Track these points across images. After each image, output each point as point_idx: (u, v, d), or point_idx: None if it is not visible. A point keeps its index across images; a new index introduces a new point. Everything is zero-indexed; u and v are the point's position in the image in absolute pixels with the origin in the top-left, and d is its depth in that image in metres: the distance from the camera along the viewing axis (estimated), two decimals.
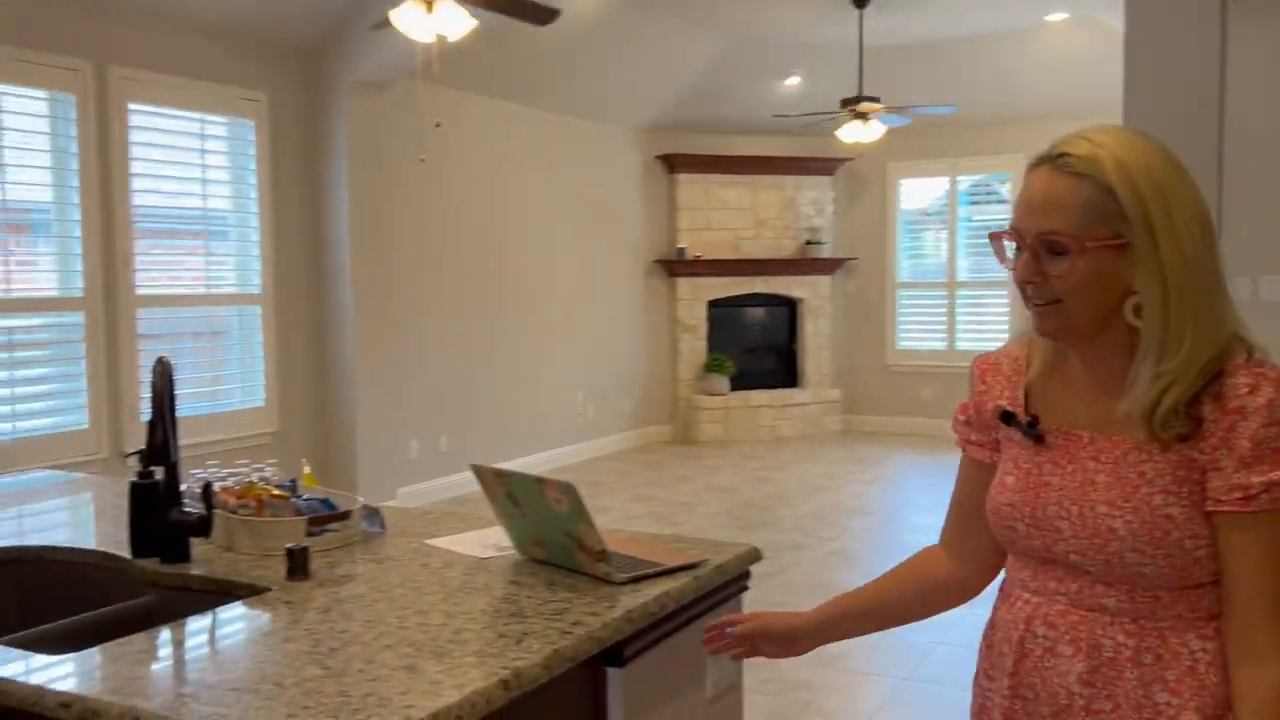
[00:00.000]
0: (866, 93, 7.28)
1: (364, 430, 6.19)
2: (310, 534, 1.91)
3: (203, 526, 1.84)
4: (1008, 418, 1.36)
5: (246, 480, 2.07)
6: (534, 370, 7.72)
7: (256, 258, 5.84)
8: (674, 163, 9.01)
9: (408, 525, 2.14)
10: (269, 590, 1.71)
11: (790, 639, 1.50)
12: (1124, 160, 1.21)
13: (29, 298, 4.80)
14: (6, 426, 4.67)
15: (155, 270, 5.36)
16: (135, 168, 5.19)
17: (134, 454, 1.94)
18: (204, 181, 5.60)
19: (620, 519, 6.22)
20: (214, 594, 1.78)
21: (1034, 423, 1.33)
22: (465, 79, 6.72)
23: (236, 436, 5.60)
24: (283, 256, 5.97)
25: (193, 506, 1.91)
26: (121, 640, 1.49)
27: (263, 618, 1.59)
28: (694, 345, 9.25)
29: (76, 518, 2.36)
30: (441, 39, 4.54)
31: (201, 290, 5.61)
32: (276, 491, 1.98)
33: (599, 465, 8.01)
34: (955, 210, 9.30)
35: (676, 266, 9.06)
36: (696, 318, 9.24)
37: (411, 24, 4.33)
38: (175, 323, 5.46)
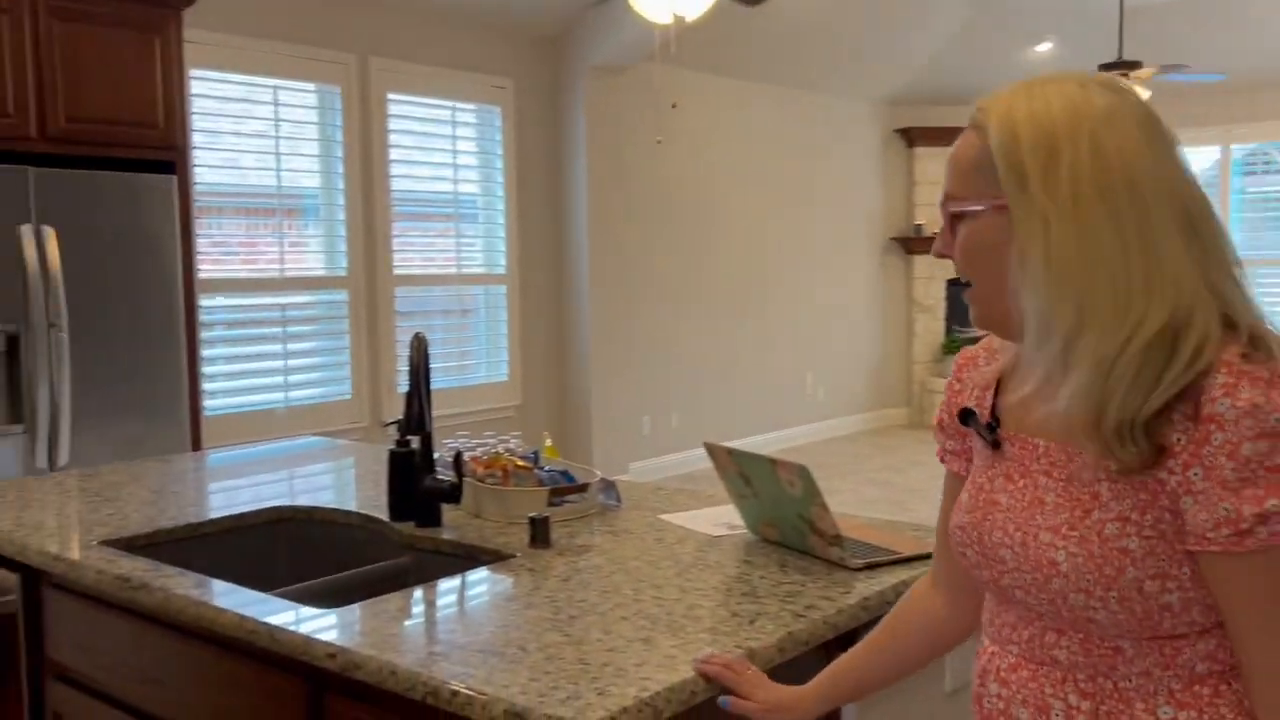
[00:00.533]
0: (1127, 57, 6.81)
1: (599, 406, 6.37)
2: (551, 504, 1.98)
3: (454, 494, 1.94)
4: (966, 417, 1.15)
5: (493, 451, 2.17)
6: (764, 350, 7.70)
7: (502, 239, 6.10)
8: (912, 136, 8.74)
9: (641, 499, 2.18)
10: (513, 557, 1.79)
11: (793, 707, 1.29)
12: (1013, 107, 1.01)
13: (300, 277, 5.20)
14: (280, 396, 5.09)
15: (410, 251, 5.69)
16: (393, 154, 5.52)
17: (392, 423, 2.07)
18: (454, 166, 5.89)
19: (853, 503, 6.13)
20: (462, 558, 1.87)
21: (994, 425, 1.11)
22: (701, 59, 6.75)
23: (482, 409, 5.89)
24: (526, 238, 6.21)
25: (445, 474, 2.02)
26: (381, 598, 1.60)
27: (506, 583, 1.67)
28: (931, 326, 8.96)
29: (340, 480, 2.54)
30: (679, 19, 4.58)
31: (452, 270, 5.91)
32: (521, 462, 2.06)
33: (830, 448, 7.91)
34: (1227, 181, 8.57)
35: (913, 244, 8.79)
36: (934, 297, 8.95)
37: (650, 5, 4.39)
38: (428, 301, 5.78)
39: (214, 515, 2.10)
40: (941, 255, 1.10)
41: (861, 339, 8.64)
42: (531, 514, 1.84)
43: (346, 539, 2.13)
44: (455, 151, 5.90)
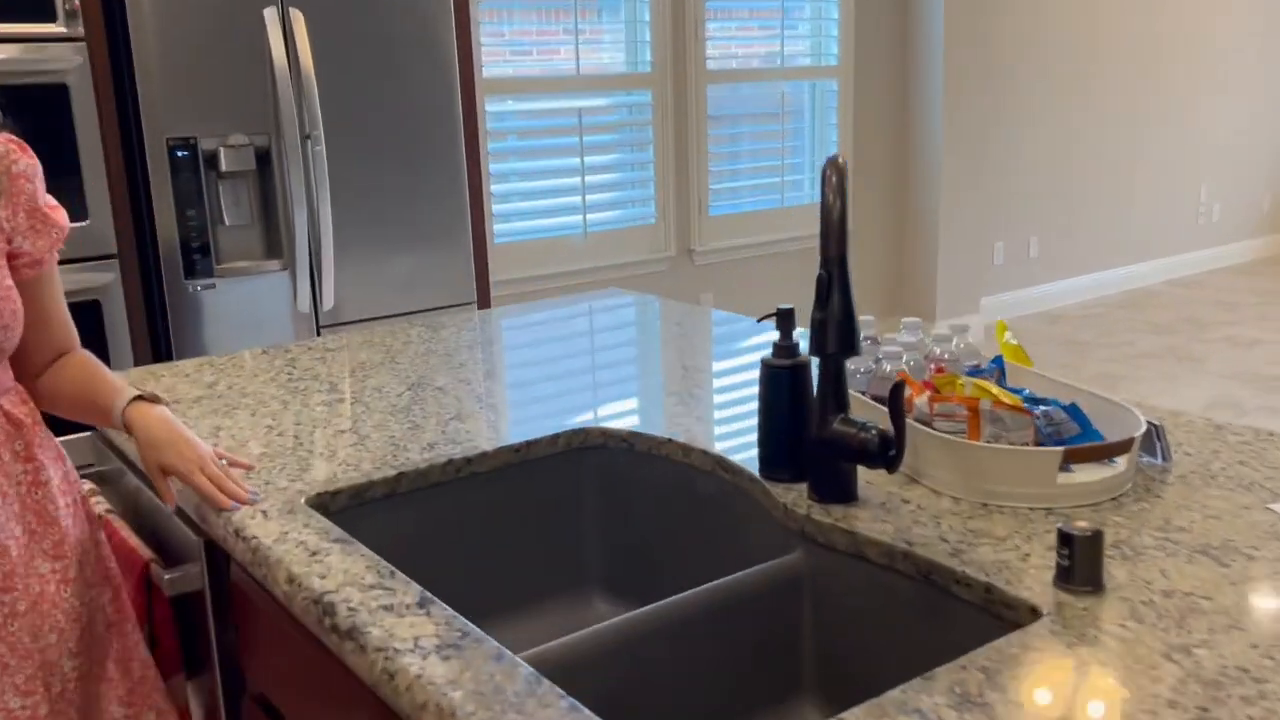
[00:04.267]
0: None
1: (945, 231, 5.27)
2: (1063, 469, 1.08)
3: (885, 453, 1.07)
4: None
5: (930, 362, 1.26)
6: (1143, 163, 6.23)
7: (835, 21, 4.99)
8: None
9: (1200, 452, 1.23)
10: (1035, 613, 0.91)
11: None
12: None
13: (598, 75, 4.37)
14: (576, 220, 4.37)
15: (725, 40, 4.71)
16: None
17: (769, 317, 1.21)
18: None
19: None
20: (913, 580, 1.02)
21: None
22: None
23: (803, 235, 4.95)
24: (864, 26, 5.06)
25: (864, 405, 1.14)
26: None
27: (1038, 688, 0.79)
28: None
29: (651, 391, 1.73)
30: None
31: (775, 64, 4.90)
32: (1003, 394, 1.14)
33: (1223, 279, 6.43)
34: None
35: None
36: None
37: None
38: (741, 101, 4.83)
39: (488, 446, 1.34)
40: None
41: (1269, 141, 6.91)
42: (1066, 526, 0.94)
43: (684, 488, 1.32)
44: None
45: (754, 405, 1.46)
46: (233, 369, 1.74)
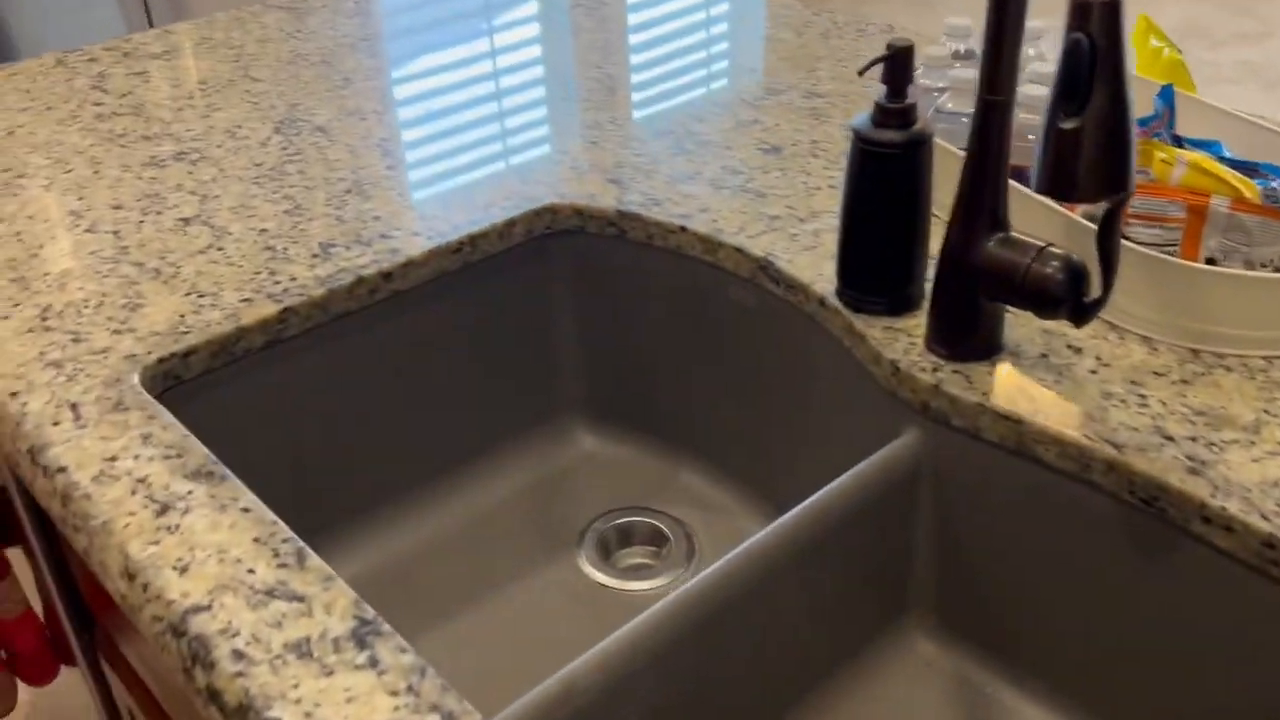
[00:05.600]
0: None
1: None
2: None
3: (1076, 299, 0.67)
4: None
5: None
6: None
7: None
8: None
9: None
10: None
11: None
12: None
13: None
14: None
15: None
16: None
17: (873, 64, 0.74)
18: None
19: None
20: (1095, 496, 0.66)
21: None
22: None
23: None
24: None
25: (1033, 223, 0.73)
26: None
27: None
28: None
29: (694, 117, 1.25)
30: None
31: None
32: (1246, 187, 0.73)
33: None
34: None
35: None
36: None
37: None
38: None
39: (413, 250, 0.90)
40: None
41: None
42: None
43: (704, 297, 0.92)
44: None
45: (822, 162, 1.03)
46: (14, 93, 1.20)
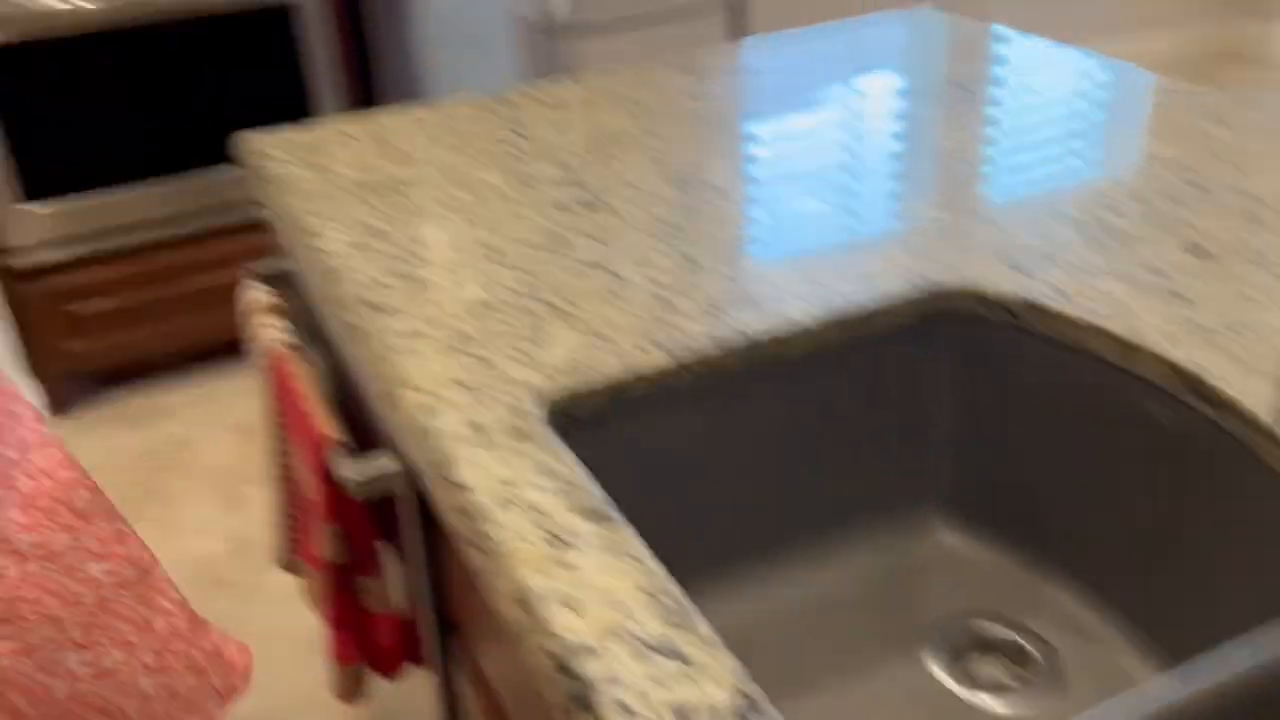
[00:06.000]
0: None
1: None
2: None
3: None
4: None
5: None
6: None
7: None
8: None
9: None
10: None
11: None
12: None
13: None
14: None
15: None
16: None
17: None
18: None
19: None
20: None
21: None
22: None
23: None
24: None
25: None
26: None
27: None
28: None
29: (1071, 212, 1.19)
30: None
31: None
32: None
33: None
34: None
35: None
36: None
37: None
38: None
39: (805, 317, 0.89)
40: None
41: None
42: None
43: (1108, 408, 0.84)
44: None
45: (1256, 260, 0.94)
46: (441, 129, 1.31)
